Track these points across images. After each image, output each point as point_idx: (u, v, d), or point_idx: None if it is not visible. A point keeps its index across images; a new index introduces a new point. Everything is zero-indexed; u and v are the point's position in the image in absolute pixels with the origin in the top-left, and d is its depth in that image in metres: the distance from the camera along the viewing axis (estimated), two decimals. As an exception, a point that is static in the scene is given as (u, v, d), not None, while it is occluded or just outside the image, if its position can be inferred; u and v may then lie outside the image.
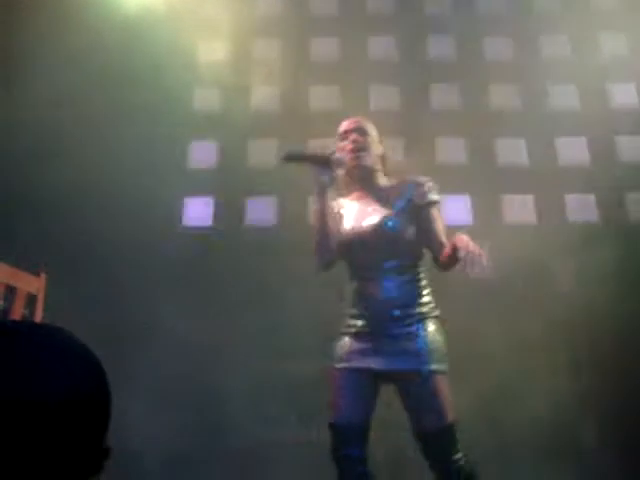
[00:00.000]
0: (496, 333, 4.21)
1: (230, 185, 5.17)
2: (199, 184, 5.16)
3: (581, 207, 4.79)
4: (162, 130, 5.00)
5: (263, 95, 5.29)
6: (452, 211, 4.42)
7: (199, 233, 5.04)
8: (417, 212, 2.62)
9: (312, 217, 2.73)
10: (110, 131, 4.89)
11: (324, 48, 5.47)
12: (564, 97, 5.17)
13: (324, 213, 2.58)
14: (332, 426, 2.56)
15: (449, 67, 5.34)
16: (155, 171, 4.80)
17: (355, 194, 2.76)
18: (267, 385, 4.39)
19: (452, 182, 4.40)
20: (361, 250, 2.62)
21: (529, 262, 4.47)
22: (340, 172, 2.68)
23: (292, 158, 2.73)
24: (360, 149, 2.68)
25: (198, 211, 5.10)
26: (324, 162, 2.60)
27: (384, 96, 5.19)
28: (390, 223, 2.59)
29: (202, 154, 5.23)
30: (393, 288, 2.58)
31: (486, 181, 4.87)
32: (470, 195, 4.86)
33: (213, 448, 4.30)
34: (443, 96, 5.17)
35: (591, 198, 4.83)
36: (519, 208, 4.81)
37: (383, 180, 2.78)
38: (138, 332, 4.32)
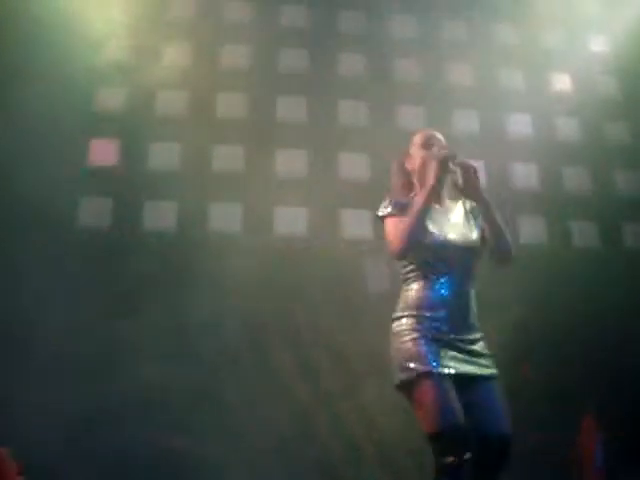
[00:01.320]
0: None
1: (130, 187, 5.04)
2: (98, 184, 5.01)
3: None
4: (61, 128, 4.82)
5: (169, 98, 5.20)
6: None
7: (97, 234, 4.90)
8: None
9: (417, 202, 2.54)
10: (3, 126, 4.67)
11: (234, 56, 5.47)
12: (467, 122, 5.41)
13: (429, 205, 2.59)
14: (439, 433, 2.43)
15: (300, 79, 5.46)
16: (52, 170, 4.61)
17: (435, 200, 2.74)
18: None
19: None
20: (450, 259, 2.62)
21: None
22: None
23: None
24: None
25: (96, 210, 4.95)
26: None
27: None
28: (476, 237, 2.70)
29: (102, 153, 5.07)
30: (471, 297, 2.65)
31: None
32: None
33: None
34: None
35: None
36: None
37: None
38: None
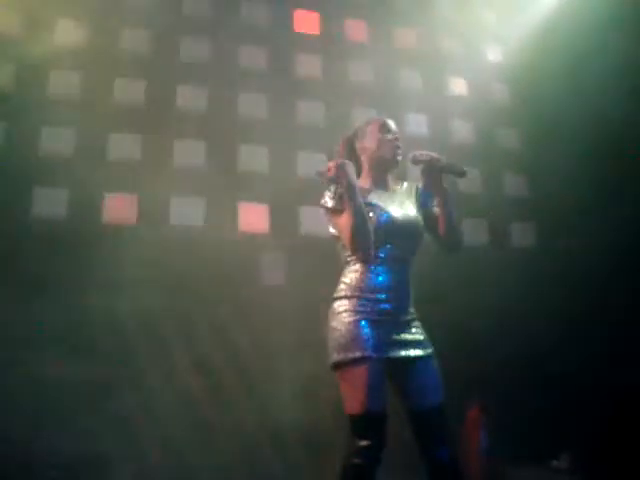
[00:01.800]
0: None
1: (17, 173, 4.79)
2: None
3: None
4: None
5: (62, 81, 4.99)
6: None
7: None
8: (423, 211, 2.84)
9: (348, 212, 2.55)
10: None
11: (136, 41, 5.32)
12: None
13: (361, 205, 2.61)
14: (363, 416, 2.48)
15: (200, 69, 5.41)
16: None
17: (374, 185, 2.81)
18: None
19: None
20: (397, 238, 2.68)
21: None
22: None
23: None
24: (400, 146, 2.81)
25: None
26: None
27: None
28: (419, 218, 2.78)
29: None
30: (410, 278, 2.73)
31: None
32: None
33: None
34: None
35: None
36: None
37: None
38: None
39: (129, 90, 5.13)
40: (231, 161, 5.07)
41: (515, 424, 4.75)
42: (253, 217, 4.86)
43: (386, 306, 2.62)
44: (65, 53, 5.05)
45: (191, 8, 5.56)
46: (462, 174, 2.75)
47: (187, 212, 4.81)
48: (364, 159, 2.82)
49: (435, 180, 2.74)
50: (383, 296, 2.62)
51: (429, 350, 2.68)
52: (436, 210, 2.80)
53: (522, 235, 5.72)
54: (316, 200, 5.00)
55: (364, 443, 2.47)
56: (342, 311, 2.62)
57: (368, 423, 2.49)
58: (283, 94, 5.37)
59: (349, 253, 2.66)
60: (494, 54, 6.32)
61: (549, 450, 5.04)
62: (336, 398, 4.20)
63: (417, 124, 5.59)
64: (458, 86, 6.02)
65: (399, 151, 2.77)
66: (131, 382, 4.33)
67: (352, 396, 2.52)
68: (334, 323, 2.62)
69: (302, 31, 5.73)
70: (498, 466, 4.86)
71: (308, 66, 5.58)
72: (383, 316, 2.61)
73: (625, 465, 4.42)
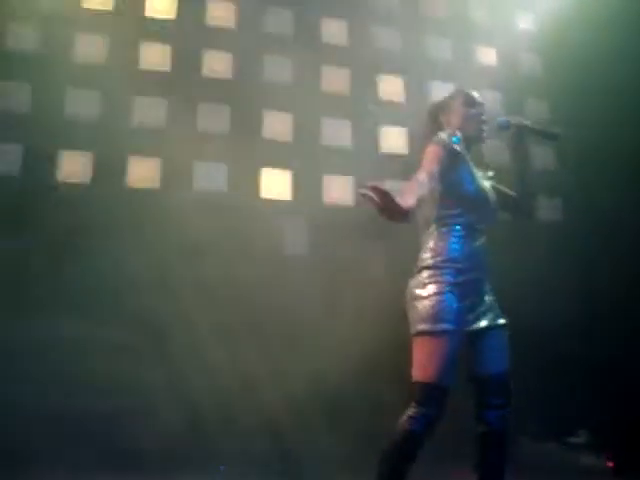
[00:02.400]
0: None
1: (44, 135, 4.81)
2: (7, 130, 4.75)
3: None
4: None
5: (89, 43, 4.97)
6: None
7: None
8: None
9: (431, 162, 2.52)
10: None
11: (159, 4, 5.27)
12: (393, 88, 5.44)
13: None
14: (432, 386, 2.49)
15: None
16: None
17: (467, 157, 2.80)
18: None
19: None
20: (482, 209, 2.69)
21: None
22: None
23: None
24: (487, 122, 2.78)
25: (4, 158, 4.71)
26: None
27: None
28: (495, 196, 2.77)
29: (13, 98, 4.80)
30: (486, 252, 2.73)
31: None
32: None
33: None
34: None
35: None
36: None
37: None
38: None
39: (154, 54, 5.08)
40: (255, 127, 5.02)
41: (532, 401, 4.73)
42: (276, 184, 4.83)
43: (470, 275, 2.62)
44: (91, 16, 5.01)
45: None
46: (555, 137, 2.76)
47: (210, 176, 4.78)
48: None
49: (523, 146, 2.75)
50: (467, 265, 2.62)
51: (502, 320, 2.69)
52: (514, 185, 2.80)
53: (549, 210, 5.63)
54: (339, 169, 5.02)
55: (426, 411, 2.48)
56: (428, 281, 2.60)
57: (435, 393, 2.50)
58: (308, 60, 5.28)
59: (441, 219, 2.66)
60: (525, 24, 6.16)
61: (567, 427, 5.04)
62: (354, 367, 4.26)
63: (444, 93, 5.47)
64: (487, 55, 5.88)
65: (484, 127, 2.73)
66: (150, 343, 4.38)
67: (426, 365, 2.52)
68: (420, 291, 2.61)
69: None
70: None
71: (334, 32, 5.48)
72: (468, 285, 2.61)
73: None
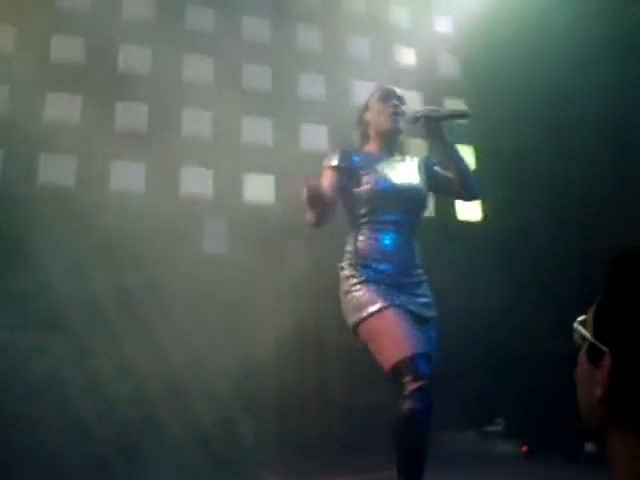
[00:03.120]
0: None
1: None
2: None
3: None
4: None
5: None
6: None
7: None
8: (432, 181, 2.87)
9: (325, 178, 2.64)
10: None
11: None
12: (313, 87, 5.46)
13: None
14: (407, 358, 2.39)
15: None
16: None
17: (379, 152, 2.84)
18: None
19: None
20: (398, 204, 2.71)
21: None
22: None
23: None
24: (399, 114, 2.82)
25: None
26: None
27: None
28: (422, 187, 2.82)
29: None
30: (415, 243, 2.75)
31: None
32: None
33: None
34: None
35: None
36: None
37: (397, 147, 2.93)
38: None
39: (67, 48, 4.92)
40: (175, 125, 4.95)
41: (449, 390, 4.87)
42: (195, 182, 4.78)
43: (389, 269, 2.65)
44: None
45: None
46: (465, 115, 2.82)
47: (127, 175, 4.68)
48: (370, 129, 2.88)
49: (437, 133, 2.77)
50: (387, 260, 2.66)
51: (435, 313, 2.74)
52: (446, 168, 2.85)
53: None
54: (261, 167, 5.00)
55: (416, 385, 2.37)
56: (350, 276, 2.65)
57: (415, 362, 2.41)
58: (229, 58, 5.24)
59: (355, 218, 2.74)
60: (444, 25, 6.29)
61: (484, 415, 5.21)
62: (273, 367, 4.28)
63: (363, 92, 5.53)
64: (406, 56, 5.99)
65: (397, 118, 2.80)
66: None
67: (387, 345, 2.47)
68: (345, 288, 2.65)
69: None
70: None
71: (255, 30, 5.44)
72: (387, 278, 2.63)
73: (556, 428, 4.60)
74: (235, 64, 5.23)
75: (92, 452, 4.00)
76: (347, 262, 2.71)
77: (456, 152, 2.80)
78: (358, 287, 2.61)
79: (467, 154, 5.72)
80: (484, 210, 5.82)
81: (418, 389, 2.38)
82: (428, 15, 6.19)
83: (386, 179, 2.75)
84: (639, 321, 0.86)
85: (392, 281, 2.64)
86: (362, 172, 2.75)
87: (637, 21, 4.82)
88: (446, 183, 2.87)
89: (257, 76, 5.26)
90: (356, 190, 2.74)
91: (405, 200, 2.73)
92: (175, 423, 4.25)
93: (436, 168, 2.94)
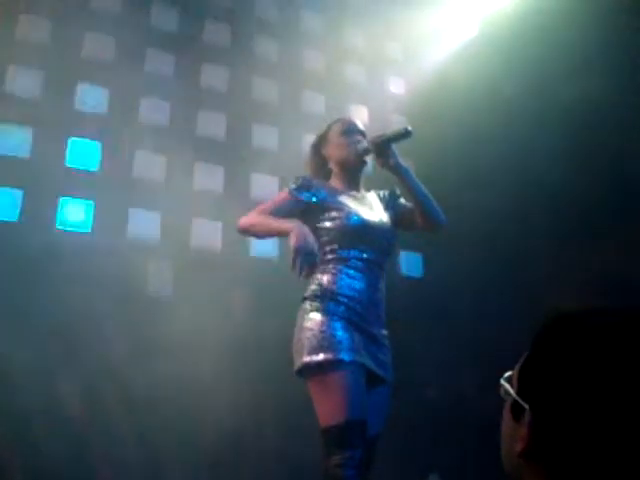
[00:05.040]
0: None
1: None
2: None
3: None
4: None
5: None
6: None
7: None
8: (397, 217, 2.77)
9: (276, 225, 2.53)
10: None
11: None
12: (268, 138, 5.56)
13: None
14: (345, 425, 2.18)
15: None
16: None
17: (345, 187, 2.73)
18: None
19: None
20: (369, 241, 2.58)
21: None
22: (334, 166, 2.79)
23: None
24: (364, 148, 2.73)
25: None
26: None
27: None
28: (390, 223, 2.72)
29: None
30: (383, 286, 2.57)
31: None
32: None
33: None
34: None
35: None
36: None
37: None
38: None
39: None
40: (126, 166, 4.94)
41: (388, 448, 4.87)
42: (143, 225, 4.76)
43: (358, 308, 2.47)
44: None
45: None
46: (407, 133, 2.66)
47: (74, 215, 4.62)
48: (332, 164, 2.79)
49: (388, 159, 2.65)
50: (356, 298, 2.48)
51: (390, 377, 2.57)
52: (407, 199, 2.78)
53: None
54: (211, 213, 5.02)
55: (348, 454, 2.20)
56: (314, 309, 2.44)
57: (351, 432, 2.23)
58: (185, 103, 5.30)
59: (325, 253, 2.57)
60: (395, 87, 6.54)
61: (419, 471, 5.22)
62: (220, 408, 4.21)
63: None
64: (359, 113, 6.17)
65: (363, 151, 2.71)
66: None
67: (329, 404, 2.28)
68: (304, 323, 2.41)
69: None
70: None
71: (213, 78, 5.54)
72: (356, 318, 2.44)
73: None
74: (191, 109, 5.28)
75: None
76: (312, 294, 2.51)
77: (412, 177, 2.67)
78: (319, 324, 2.37)
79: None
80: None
81: (350, 458, 2.24)
82: (381, 75, 6.43)
83: (357, 214, 2.63)
84: (557, 381, 0.93)
85: (360, 321, 2.46)
86: (331, 206, 2.65)
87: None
88: (406, 213, 2.76)
89: (211, 123, 5.32)
90: (325, 225, 2.62)
91: (375, 237, 2.62)
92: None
93: (401, 200, 2.85)
